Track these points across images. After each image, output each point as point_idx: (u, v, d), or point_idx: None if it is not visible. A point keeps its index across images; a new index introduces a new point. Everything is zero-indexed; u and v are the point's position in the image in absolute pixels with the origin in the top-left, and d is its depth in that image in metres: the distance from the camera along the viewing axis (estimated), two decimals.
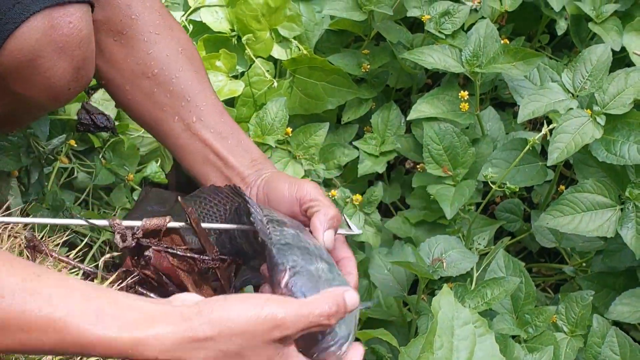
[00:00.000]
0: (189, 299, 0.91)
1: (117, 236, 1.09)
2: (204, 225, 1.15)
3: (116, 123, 1.53)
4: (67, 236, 1.28)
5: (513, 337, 1.32)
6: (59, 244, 1.21)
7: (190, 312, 0.87)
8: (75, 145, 1.51)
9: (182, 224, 1.13)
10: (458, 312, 1.16)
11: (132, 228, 1.10)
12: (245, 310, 0.87)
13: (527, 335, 1.31)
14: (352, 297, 0.95)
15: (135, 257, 1.14)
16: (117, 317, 0.86)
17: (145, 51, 1.21)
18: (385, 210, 1.66)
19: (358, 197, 1.49)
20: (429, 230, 1.48)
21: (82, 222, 1.09)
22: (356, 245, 1.53)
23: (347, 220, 1.20)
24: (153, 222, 1.11)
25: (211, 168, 1.21)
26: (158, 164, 1.59)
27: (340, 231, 1.16)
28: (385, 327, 1.36)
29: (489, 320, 1.32)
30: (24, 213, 1.37)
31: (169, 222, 1.11)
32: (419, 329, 1.34)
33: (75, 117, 1.49)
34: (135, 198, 1.57)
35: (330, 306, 0.91)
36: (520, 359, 1.25)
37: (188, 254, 1.14)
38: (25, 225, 1.18)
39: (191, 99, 1.21)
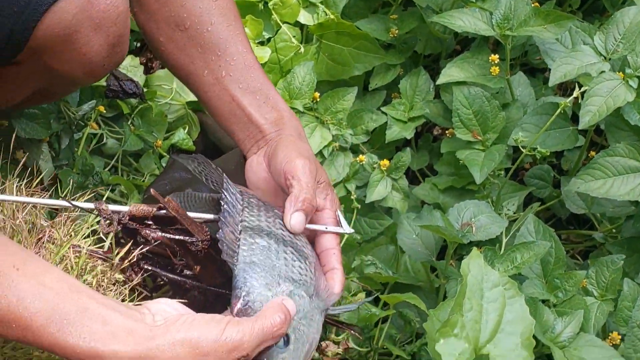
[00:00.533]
0: (162, 312, 0.94)
1: (102, 221, 1.09)
2: (190, 214, 1.12)
3: (144, 90, 1.54)
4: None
5: (542, 301, 1.31)
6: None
7: (157, 332, 0.91)
8: (105, 111, 1.52)
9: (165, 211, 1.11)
10: (487, 275, 1.16)
11: (118, 213, 1.09)
12: (207, 333, 0.91)
13: (557, 300, 1.31)
14: (290, 304, 1.00)
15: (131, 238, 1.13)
16: (82, 326, 0.89)
17: (179, 3, 1.21)
18: (413, 178, 1.65)
19: (385, 162, 1.49)
20: (457, 196, 1.47)
21: (67, 204, 1.08)
22: (383, 210, 1.53)
23: (340, 217, 1.19)
24: (140, 208, 1.10)
25: (237, 124, 1.22)
26: (185, 131, 1.60)
27: (330, 229, 1.16)
28: (413, 292, 1.36)
29: (518, 285, 1.31)
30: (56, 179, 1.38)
31: (156, 210, 1.10)
32: (447, 294, 1.34)
33: (104, 84, 1.49)
34: (164, 165, 1.58)
35: (277, 316, 0.96)
36: (549, 323, 1.24)
37: (176, 237, 1.11)
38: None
39: (221, 53, 1.20)
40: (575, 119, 1.46)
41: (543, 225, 1.37)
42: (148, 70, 1.62)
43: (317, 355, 1.32)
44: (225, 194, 1.10)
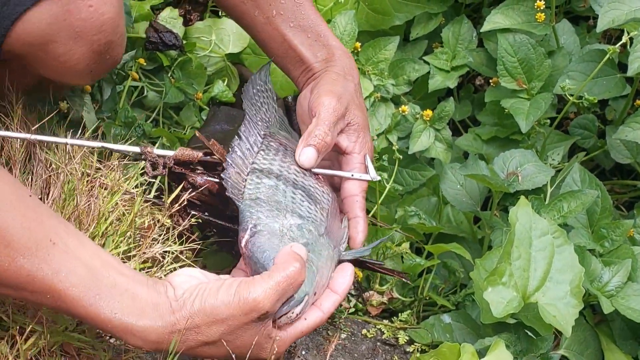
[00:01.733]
0: (183, 284, 0.95)
1: (148, 164, 1.10)
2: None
3: (184, 42, 1.53)
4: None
5: (589, 251, 1.30)
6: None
7: (176, 305, 0.93)
8: (145, 64, 1.51)
9: (212, 156, 1.13)
10: (536, 223, 1.15)
11: (163, 157, 1.10)
12: (221, 299, 0.92)
13: (604, 250, 1.29)
14: (299, 248, 0.98)
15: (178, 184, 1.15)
16: (114, 301, 0.91)
17: None
18: (454, 130, 1.63)
19: (428, 112, 1.47)
20: (501, 146, 1.45)
21: (114, 147, 1.10)
22: (425, 161, 1.52)
23: (368, 162, 1.17)
24: (185, 153, 1.11)
25: (291, 63, 1.21)
26: (225, 83, 1.59)
27: (355, 175, 1.14)
28: (457, 243, 1.35)
29: None
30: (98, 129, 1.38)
31: (201, 156, 1.12)
32: (492, 244, 1.33)
33: (144, 36, 1.49)
34: (204, 117, 1.58)
35: (292, 267, 0.94)
36: (597, 272, 1.23)
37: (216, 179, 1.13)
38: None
39: None
40: (621, 67, 1.43)
41: (589, 175, 1.35)
42: (187, 22, 1.61)
43: (361, 305, 1.33)
44: (242, 134, 1.12)
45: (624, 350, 1.25)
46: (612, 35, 1.66)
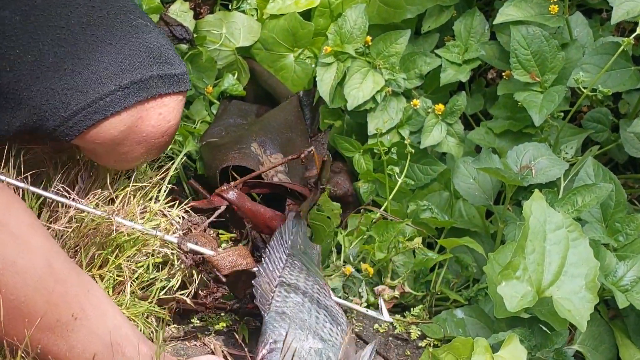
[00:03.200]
0: None
1: (183, 257, 1.15)
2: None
3: (194, 35, 1.52)
4: None
5: (603, 245, 1.28)
6: None
7: None
8: None
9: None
10: (550, 216, 1.14)
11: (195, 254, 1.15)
12: None
13: (618, 244, 1.28)
14: None
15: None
16: None
17: None
18: (466, 124, 1.62)
19: (440, 106, 1.46)
20: (514, 140, 1.44)
21: (154, 233, 1.15)
22: (437, 156, 1.51)
23: (381, 304, 1.20)
24: (223, 263, 1.15)
25: None
26: (235, 77, 1.58)
27: (370, 312, 1.18)
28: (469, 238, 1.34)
29: None
30: None
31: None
32: (506, 238, 1.32)
33: None
34: (214, 112, 1.57)
35: None
36: (611, 267, 1.22)
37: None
38: None
39: None
40: (635, 59, 1.42)
41: (603, 168, 1.34)
42: (197, 15, 1.60)
43: (373, 299, 1.32)
44: (270, 250, 1.14)
45: (638, 346, 1.24)
46: (626, 28, 1.64)
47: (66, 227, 1.09)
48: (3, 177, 1.04)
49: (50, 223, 1.10)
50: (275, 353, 0.98)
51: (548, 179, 1.29)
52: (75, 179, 1.17)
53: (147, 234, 1.13)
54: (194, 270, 1.15)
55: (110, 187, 1.17)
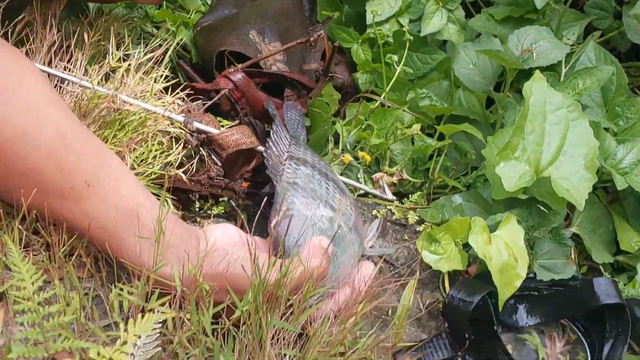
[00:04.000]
0: (217, 240, 0.94)
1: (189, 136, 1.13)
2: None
3: None
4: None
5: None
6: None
7: (202, 262, 0.91)
8: None
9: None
10: (551, 97, 1.13)
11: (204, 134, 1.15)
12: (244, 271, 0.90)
13: (618, 128, 1.27)
14: (327, 242, 0.96)
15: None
16: (140, 247, 0.90)
17: None
18: (467, 12, 1.59)
19: None
20: (515, 26, 1.41)
21: (161, 111, 1.12)
22: (437, 45, 1.48)
23: (385, 186, 1.20)
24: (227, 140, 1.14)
25: None
26: None
27: (374, 191, 1.19)
28: None
29: None
30: (100, 11, 1.35)
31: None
32: (505, 123, 1.31)
33: None
34: (209, 1, 1.54)
35: (316, 262, 0.92)
36: (611, 149, 1.21)
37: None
38: None
39: None
40: None
41: (604, 52, 1.32)
42: None
43: (371, 186, 1.32)
44: (276, 128, 1.13)
45: (636, 229, 1.24)
46: None
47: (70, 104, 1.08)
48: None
49: None
50: (287, 220, 0.98)
51: (549, 62, 1.27)
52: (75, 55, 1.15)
53: (152, 112, 1.11)
54: (201, 149, 1.14)
55: (111, 63, 1.16)
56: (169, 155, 1.12)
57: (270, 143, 1.09)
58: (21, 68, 0.90)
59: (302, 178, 1.06)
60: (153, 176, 1.09)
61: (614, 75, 1.28)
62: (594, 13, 1.47)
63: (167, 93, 1.21)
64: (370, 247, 1.10)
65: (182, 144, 1.14)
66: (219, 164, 1.16)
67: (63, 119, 0.91)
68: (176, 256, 0.90)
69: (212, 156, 1.17)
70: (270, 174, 1.05)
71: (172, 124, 1.14)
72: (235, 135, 1.13)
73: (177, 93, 1.22)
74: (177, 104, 1.24)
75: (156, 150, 1.11)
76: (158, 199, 0.94)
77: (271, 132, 1.12)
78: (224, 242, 0.96)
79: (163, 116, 1.13)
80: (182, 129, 1.14)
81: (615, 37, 1.51)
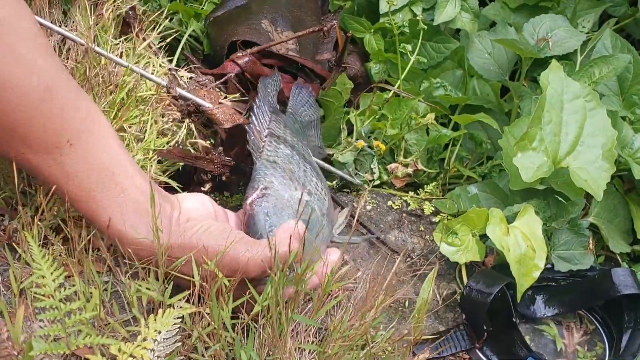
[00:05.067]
0: (190, 211, 0.94)
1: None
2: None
3: None
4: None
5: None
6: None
7: (175, 231, 0.91)
8: None
9: None
10: (568, 86, 1.12)
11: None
12: (216, 246, 0.89)
13: (635, 117, 1.26)
14: (301, 227, 0.93)
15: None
16: (115, 211, 0.89)
17: None
18: (481, 1, 1.58)
19: None
20: (530, 14, 1.40)
21: (145, 74, 1.10)
22: (451, 34, 1.47)
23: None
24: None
25: None
26: None
27: (344, 175, 1.19)
28: None
29: None
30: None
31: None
32: (521, 112, 1.30)
33: None
34: None
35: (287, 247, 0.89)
36: (628, 138, 1.20)
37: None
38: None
39: None
40: None
41: (621, 40, 1.31)
42: None
43: (386, 177, 1.31)
44: (258, 102, 1.12)
45: None
46: None
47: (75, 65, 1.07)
48: None
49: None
50: (265, 198, 0.97)
51: (565, 51, 1.26)
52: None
53: (131, 69, 1.10)
54: (186, 119, 1.13)
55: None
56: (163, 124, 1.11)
57: (253, 118, 1.08)
58: (17, 16, 0.87)
59: (282, 157, 1.05)
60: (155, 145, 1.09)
61: (631, 63, 1.26)
62: (609, 0, 1.45)
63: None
64: (339, 234, 1.09)
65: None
66: (222, 136, 1.15)
67: (53, 72, 0.88)
68: (148, 224, 0.89)
69: (201, 131, 1.16)
70: (250, 149, 1.04)
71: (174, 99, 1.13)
72: (228, 110, 1.12)
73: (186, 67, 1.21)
74: (189, 77, 1.24)
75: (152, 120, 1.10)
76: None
77: (254, 107, 1.10)
78: (199, 212, 0.94)
79: (146, 77, 1.11)
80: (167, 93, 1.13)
81: (630, 24, 1.50)
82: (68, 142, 0.88)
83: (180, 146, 1.14)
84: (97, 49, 1.07)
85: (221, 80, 1.25)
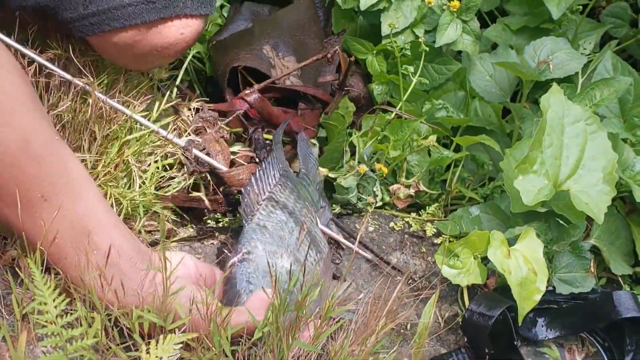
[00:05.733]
0: (177, 269, 0.92)
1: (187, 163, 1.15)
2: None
3: None
4: None
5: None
6: None
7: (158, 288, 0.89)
8: None
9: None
10: (569, 110, 1.12)
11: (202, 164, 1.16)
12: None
13: (636, 139, 1.27)
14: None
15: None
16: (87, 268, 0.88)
17: None
18: (482, 22, 1.58)
19: (455, 3, 1.42)
20: (531, 36, 1.41)
21: (160, 131, 1.13)
22: (452, 55, 1.48)
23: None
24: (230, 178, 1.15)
25: None
26: None
27: (347, 243, 1.16)
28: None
29: None
30: None
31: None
32: (522, 135, 1.30)
33: None
34: (225, 14, 1.54)
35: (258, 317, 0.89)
36: (629, 160, 1.21)
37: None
38: None
39: None
40: None
41: (622, 62, 1.31)
42: None
43: (388, 199, 1.32)
44: (266, 164, 1.12)
45: None
46: None
47: (69, 107, 1.08)
48: (5, 38, 1.01)
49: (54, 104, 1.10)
50: (245, 263, 0.97)
51: (566, 74, 1.27)
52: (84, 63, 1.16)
53: (153, 131, 1.12)
54: (195, 176, 1.15)
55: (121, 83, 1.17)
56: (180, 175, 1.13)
57: (253, 180, 1.08)
58: None
59: (273, 223, 1.04)
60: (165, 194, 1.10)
61: (632, 85, 1.27)
62: (610, 22, 1.46)
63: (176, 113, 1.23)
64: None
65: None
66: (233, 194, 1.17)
67: (33, 122, 0.88)
68: (121, 283, 0.88)
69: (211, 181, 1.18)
70: (242, 212, 1.04)
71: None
72: (242, 175, 1.13)
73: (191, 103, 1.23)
74: (193, 111, 1.25)
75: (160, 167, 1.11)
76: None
77: (257, 169, 1.10)
78: (179, 271, 0.93)
79: (165, 138, 1.14)
80: (182, 154, 1.15)
81: (632, 45, 1.50)
82: (42, 196, 0.87)
83: (186, 191, 1.15)
84: (99, 95, 1.09)
85: (229, 119, 1.26)
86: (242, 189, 1.08)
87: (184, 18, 1.08)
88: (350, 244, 1.17)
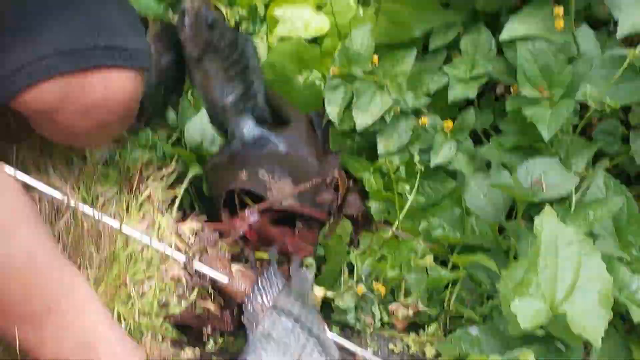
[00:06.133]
0: None
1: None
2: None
3: None
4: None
5: (616, 259, 1.28)
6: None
7: None
8: None
9: None
10: (562, 232, 1.13)
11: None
12: None
13: (631, 258, 1.27)
14: None
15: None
16: None
17: None
18: (476, 138, 1.62)
19: (449, 123, 1.46)
20: (524, 154, 1.43)
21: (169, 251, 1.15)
22: (448, 173, 1.50)
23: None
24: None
25: None
26: None
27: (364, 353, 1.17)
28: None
29: None
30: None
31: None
32: (518, 253, 1.31)
33: None
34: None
35: None
36: (625, 280, 1.21)
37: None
38: None
39: None
40: None
41: (614, 181, 1.34)
42: None
43: (386, 318, 1.31)
44: (269, 274, 1.13)
45: None
46: (634, 40, 1.64)
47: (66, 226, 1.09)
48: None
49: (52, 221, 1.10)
50: None
51: (560, 194, 1.29)
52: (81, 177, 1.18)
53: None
54: (196, 290, 1.16)
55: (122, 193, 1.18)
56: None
57: (256, 290, 1.08)
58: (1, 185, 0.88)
59: (278, 331, 1.05)
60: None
61: (625, 205, 1.29)
62: (602, 139, 1.49)
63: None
64: None
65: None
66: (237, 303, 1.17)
67: (35, 239, 0.89)
68: None
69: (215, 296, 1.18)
70: (245, 322, 1.04)
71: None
72: (243, 285, 1.14)
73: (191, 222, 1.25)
74: (194, 232, 1.27)
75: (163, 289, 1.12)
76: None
77: (259, 279, 1.11)
78: None
79: (165, 254, 1.15)
80: (183, 269, 1.16)
81: (624, 161, 1.52)
82: (47, 309, 0.88)
83: (191, 309, 1.16)
84: (142, 236, 1.12)
85: (233, 237, 1.28)
86: (244, 297, 1.08)
87: (105, 70, 1.02)
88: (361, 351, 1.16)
